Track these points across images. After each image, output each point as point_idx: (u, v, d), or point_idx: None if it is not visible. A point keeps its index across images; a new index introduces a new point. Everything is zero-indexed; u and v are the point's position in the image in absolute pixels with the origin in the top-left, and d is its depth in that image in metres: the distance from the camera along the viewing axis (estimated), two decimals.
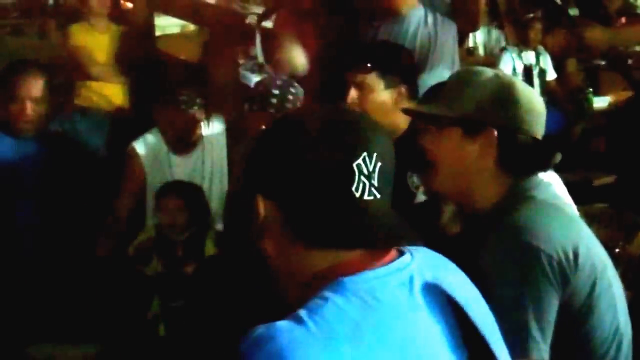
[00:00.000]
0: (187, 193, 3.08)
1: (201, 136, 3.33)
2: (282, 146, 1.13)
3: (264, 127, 2.83)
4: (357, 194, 1.08)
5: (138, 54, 4.18)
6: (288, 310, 1.07)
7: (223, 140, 3.37)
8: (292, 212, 1.11)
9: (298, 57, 3.31)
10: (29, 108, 3.02)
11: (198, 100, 3.23)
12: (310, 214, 1.10)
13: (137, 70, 4.13)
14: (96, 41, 4.17)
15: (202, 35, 4.61)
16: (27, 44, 4.36)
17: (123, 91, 4.15)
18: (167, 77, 3.93)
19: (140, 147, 3.30)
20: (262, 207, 1.15)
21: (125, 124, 3.94)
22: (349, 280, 1.06)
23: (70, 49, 4.18)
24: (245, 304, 2.48)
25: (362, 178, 1.09)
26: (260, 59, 3.87)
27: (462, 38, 4.20)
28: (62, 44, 4.26)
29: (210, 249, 3.03)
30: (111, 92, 4.12)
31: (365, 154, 1.09)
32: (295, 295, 1.12)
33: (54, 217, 3.06)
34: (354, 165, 1.08)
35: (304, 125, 1.13)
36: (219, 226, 3.19)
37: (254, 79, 3.68)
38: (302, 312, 1.03)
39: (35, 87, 3.04)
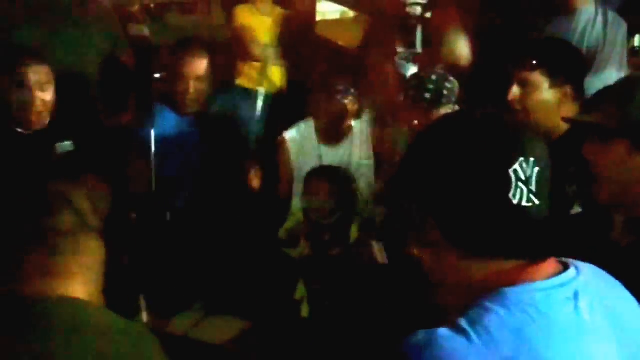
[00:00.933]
0: (336, 178, 3.11)
1: (351, 127, 3.35)
2: (436, 152, 1.11)
3: (415, 121, 2.83)
4: (515, 201, 1.06)
5: (299, 38, 4.26)
6: (433, 311, 1.06)
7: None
8: (447, 219, 1.10)
9: (462, 50, 3.26)
10: (192, 86, 3.16)
11: (352, 91, 3.26)
12: (466, 222, 1.08)
13: (297, 54, 4.20)
14: (260, 23, 4.27)
15: (361, 23, 4.62)
16: (194, 22, 4.52)
17: (283, 73, 4.24)
18: (324, 62, 3.98)
19: (290, 137, 3.37)
20: (415, 212, 1.13)
21: (284, 106, 4.03)
22: (510, 291, 1.04)
23: (235, 29, 4.31)
24: (388, 297, 2.49)
25: (520, 184, 1.06)
26: (419, 49, 3.84)
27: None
28: (228, 24, 4.39)
29: (354, 234, 3.06)
30: (272, 74, 4.22)
31: (521, 159, 1.07)
32: (450, 301, 1.11)
33: (211, 193, 3.18)
34: (511, 171, 1.06)
35: (459, 130, 1.12)
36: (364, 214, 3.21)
37: (410, 69, 3.66)
38: (463, 322, 1.01)
39: (199, 66, 3.16)
